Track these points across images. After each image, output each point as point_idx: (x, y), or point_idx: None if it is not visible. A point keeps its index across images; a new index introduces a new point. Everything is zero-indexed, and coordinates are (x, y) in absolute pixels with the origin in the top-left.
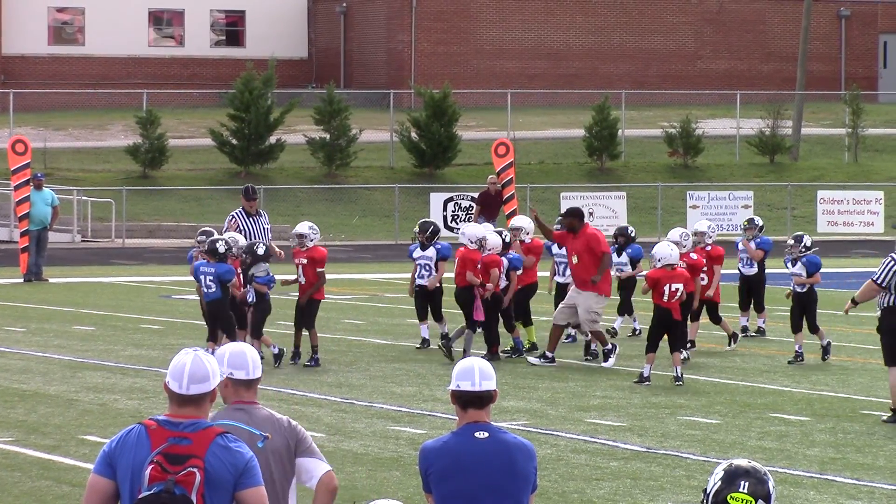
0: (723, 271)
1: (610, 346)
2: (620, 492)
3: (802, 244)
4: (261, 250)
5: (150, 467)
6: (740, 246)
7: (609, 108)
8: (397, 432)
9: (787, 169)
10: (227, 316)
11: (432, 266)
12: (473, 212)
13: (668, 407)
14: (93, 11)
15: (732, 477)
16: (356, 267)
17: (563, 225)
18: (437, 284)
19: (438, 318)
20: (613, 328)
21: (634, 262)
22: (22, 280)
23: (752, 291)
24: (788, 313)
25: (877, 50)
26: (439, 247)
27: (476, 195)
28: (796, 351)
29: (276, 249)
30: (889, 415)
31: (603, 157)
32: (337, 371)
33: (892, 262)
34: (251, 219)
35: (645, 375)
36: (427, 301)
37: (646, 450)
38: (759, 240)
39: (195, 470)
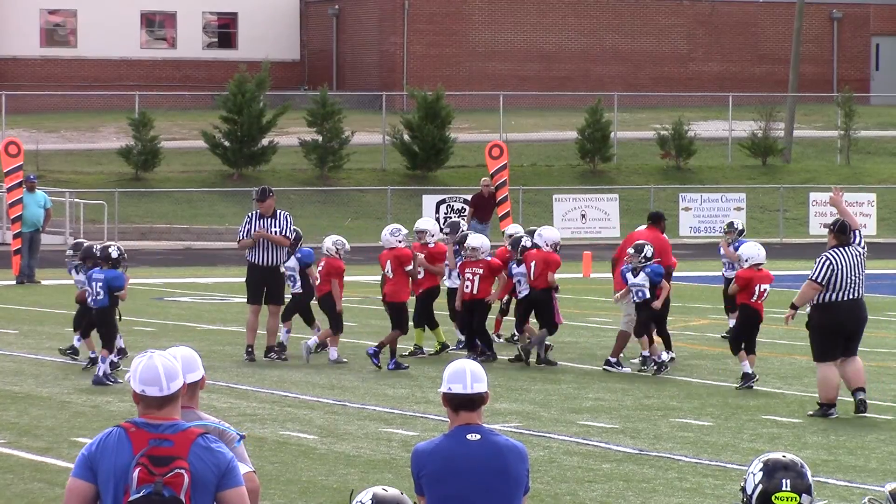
0: (707, 274)
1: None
2: (613, 494)
3: (642, 255)
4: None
5: (138, 469)
6: (721, 251)
7: (601, 111)
8: (390, 434)
9: (780, 171)
10: (111, 323)
11: (297, 275)
12: (466, 214)
13: (661, 409)
14: (85, 13)
15: (772, 472)
16: (348, 269)
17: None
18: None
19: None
20: None
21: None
22: (14, 282)
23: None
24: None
25: (869, 52)
26: (300, 255)
27: (469, 197)
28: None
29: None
30: (816, 409)
31: (595, 159)
32: (329, 373)
33: (828, 260)
34: (264, 220)
35: (750, 373)
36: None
37: (638, 452)
38: (738, 243)
39: (182, 471)
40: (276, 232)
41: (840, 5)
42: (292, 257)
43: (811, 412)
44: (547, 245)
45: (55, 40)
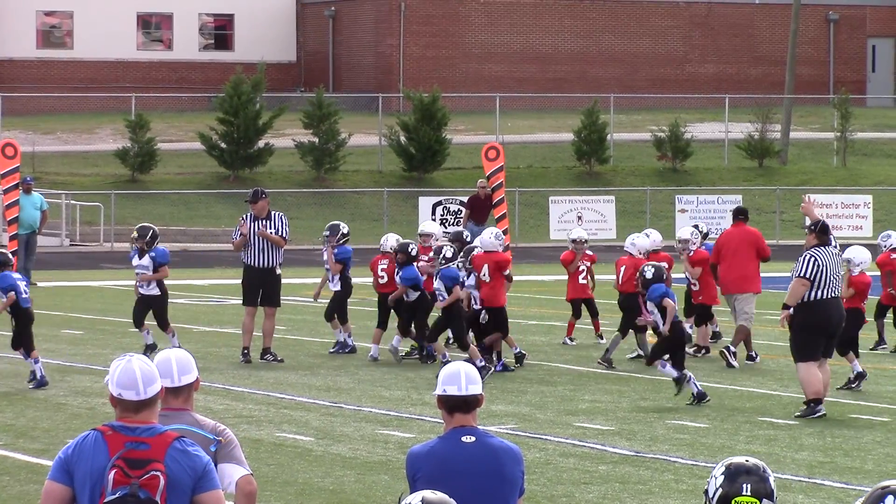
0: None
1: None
2: (609, 496)
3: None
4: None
5: (113, 471)
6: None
7: (598, 112)
8: (386, 436)
9: (776, 173)
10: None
11: (150, 273)
12: (462, 216)
13: (657, 411)
14: (81, 15)
15: (734, 476)
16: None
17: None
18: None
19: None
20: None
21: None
22: None
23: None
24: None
25: (865, 54)
26: (154, 254)
27: (465, 199)
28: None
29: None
30: (804, 408)
31: (591, 161)
32: (325, 375)
33: (813, 257)
34: (258, 222)
35: (861, 372)
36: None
37: (634, 454)
38: (703, 246)
39: (158, 473)
40: (272, 233)
41: (836, 7)
42: (147, 255)
43: (798, 413)
44: (640, 253)
45: (51, 42)
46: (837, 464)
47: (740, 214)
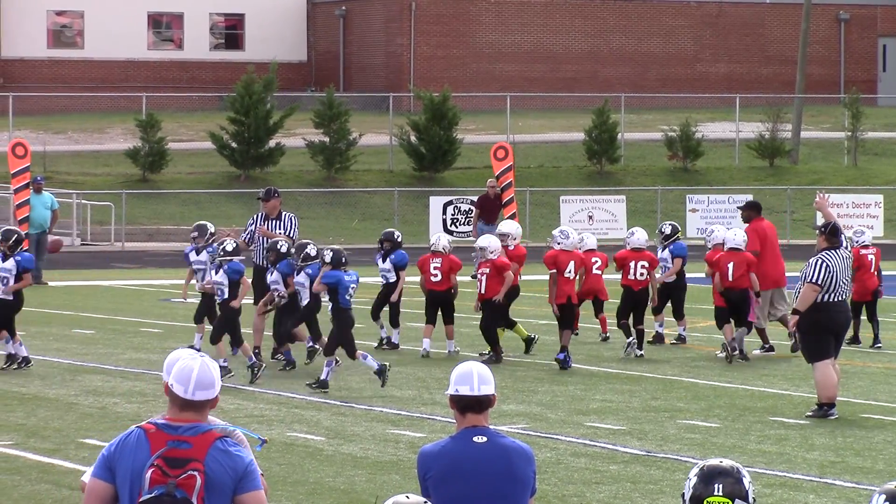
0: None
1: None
2: (620, 495)
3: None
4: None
5: (151, 470)
6: (661, 254)
7: (608, 112)
8: (397, 436)
9: (787, 172)
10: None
11: (11, 278)
12: (473, 215)
13: (668, 410)
14: (92, 15)
15: (708, 478)
16: (355, 270)
17: (742, 217)
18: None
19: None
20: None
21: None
22: None
23: (671, 298)
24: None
25: (876, 53)
26: (20, 258)
27: (475, 199)
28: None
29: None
30: (815, 409)
31: (602, 160)
32: (336, 374)
33: (824, 262)
34: (269, 221)
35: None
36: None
37: (645, 453)
38: (672, 246)
39: (195, 473)
40: (280, 234)
41: (847, 6)
42: (11, 259)
43: (810, 413)
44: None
45: (62, 41)
46: (848, 463)
47: (759, 209)
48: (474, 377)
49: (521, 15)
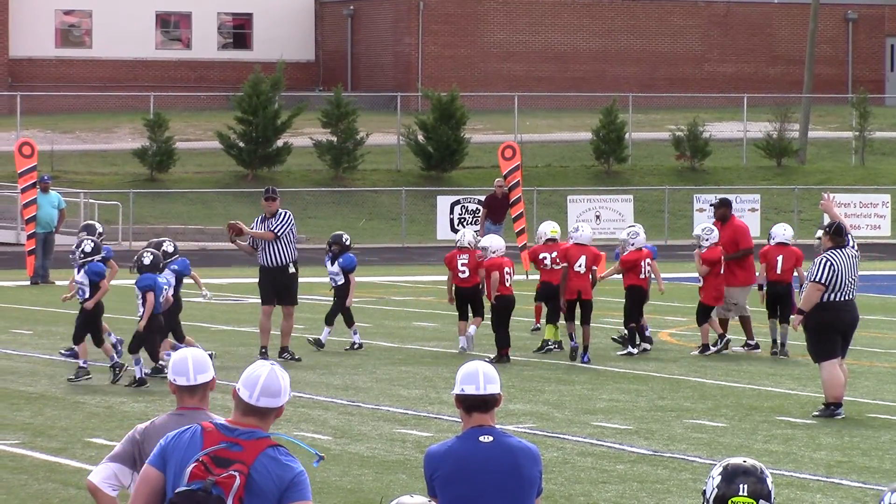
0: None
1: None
2: (627, 495)
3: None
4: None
5: (194, 465)
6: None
7: (616, 111)
8: (404, 435)
9: (795, 172)
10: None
11: (338, 279)
12: (480, 215)
13: (675, 410)
14: (100, 14)
15: (731, 477)
16: (362, 270)
17: (716, 215)
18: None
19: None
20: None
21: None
22: (29, 283)
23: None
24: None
25: (884, 53)
26: (341, 261)
27: (483, 198)
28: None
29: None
30: (822, 409)
31: (610, 160)
32: (343, 374)
33: (828, 262)
34: (267, 221)
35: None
36: None
37: (652, 453)
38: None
39: (236, 474)
40: (262, 231)
41: (855, 6)
42: (335, 264)
43: (816, 412)
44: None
45: (70, 41)
46: (855, 463)
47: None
48: (480, 376)
49: (529, 14)
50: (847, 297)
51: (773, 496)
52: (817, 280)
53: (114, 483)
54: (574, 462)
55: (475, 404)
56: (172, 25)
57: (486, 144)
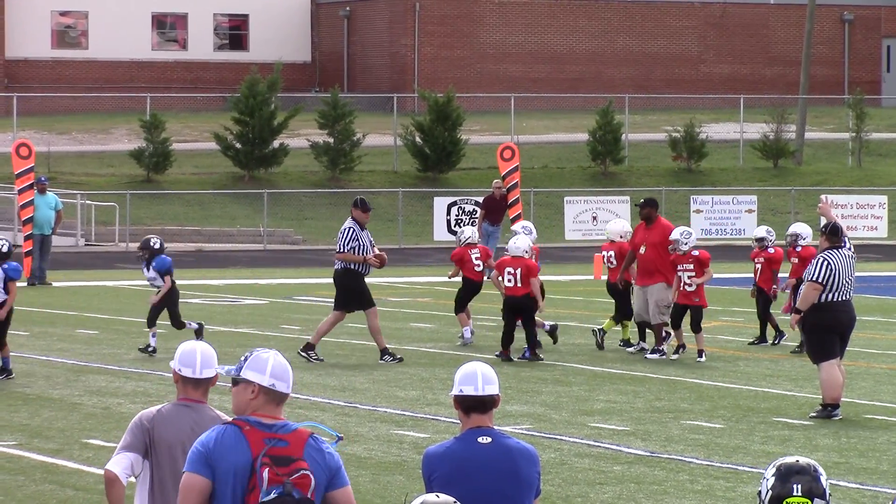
0: (718, 276)
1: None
2: (624, 496)
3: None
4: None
5: (266, 469)
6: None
7: (613, 112)
8: (401, 436)
9: (791, 173)
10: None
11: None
12: (478, 216)
13: (672, 411)
14: (96, 15)
15: (785, 477)
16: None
17: (640, 215)
18: None
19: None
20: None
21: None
22: (25, 284)
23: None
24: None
25: (880, 54)
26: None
27: (480, 199)
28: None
29: (371, 258)
30: (819, 410)
31: (606, 161)
32: (340, 375)
33: (825, 261)
34: (366, 232)
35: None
36: None
37: (649, 454)
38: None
39: (308, 473)
40: (371, 242)
41: (851, 7)
42: (150, 269)
43: (814, 413)
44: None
45: (66, 42)
46: (852, 464)
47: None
48: (479, 377)
49: (526, 15)
50: (844, 298)
51: (827, 494)
52: (815, 280)
53: (129, 473)
54: (571, 463)
55: (473, 405)
56: (169, 26)
57: (482, 146)
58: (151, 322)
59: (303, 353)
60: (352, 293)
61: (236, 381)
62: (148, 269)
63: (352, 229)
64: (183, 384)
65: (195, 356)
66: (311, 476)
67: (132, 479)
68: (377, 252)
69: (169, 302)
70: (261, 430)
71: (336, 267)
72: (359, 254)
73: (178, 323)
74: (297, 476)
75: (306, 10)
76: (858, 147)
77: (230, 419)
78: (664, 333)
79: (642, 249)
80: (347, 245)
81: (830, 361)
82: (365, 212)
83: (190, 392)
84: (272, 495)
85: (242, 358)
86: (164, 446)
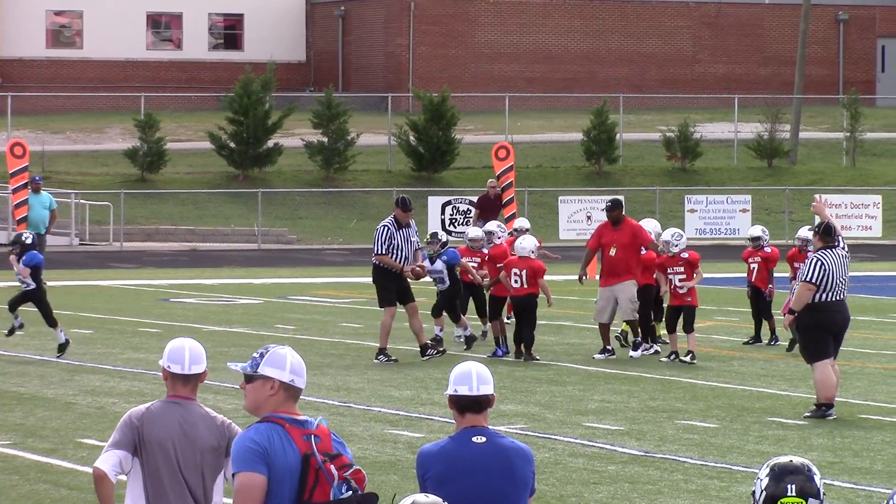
0: (713, 276)
1: (639, 339)
2: (618, 495)
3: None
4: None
5: (332, 466)
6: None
7: (607, 112)
8: (395, 436)
9: (786, 173)
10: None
11: (444, 276)
12: (472, 215)
13: (666, 411)
14: (91, 15)
15: (779, 477)
16: (354, 270)
17: (609, 216)
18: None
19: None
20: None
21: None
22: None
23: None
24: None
25: (875, 54)
26: (445, 257)
27: (475, 199)
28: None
29: (416, 268)
30: (813, 410)
31: (601, 160)
32: (335, 374)
33: (819, 261)
34: (402, 230)
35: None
36: None
37: (643, 454)
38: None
39: (359, 468)
40: (413, 241)
41: (846, 7)
42: (438, 260)
43: (808, 413)
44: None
45: (61, 41)
46: (847, 464)
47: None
48: (473, 377)
49: (520, 15)
50: (838, 298)
51: (822, 493)
52: (808, 280)
53: (118, 470)
54: (565, 463)
55: (468, 405)
56: (163, 26)
57: (477, 145)
58: (13, 308)
59: (377, 360)
60: (388, 291)
61: (250, 378)
62: (19, 263)
63: (387, 227)
64: (172, 381)
65: (184, 353)
66: (363, 471)
67: (122, 476)
68: (414, 267)
69: (35, 298)
70: (296, 426)
71: (374, 262)
72: (392, 253)
73: (51, 321)
74: (351, 471)
75: (301, 9)
76: (853, 147)
77: (225, 417)
78: (653, 344)
79: (612, 251)
80: (383, 245)
81: (824, 361)
82: (405, 211)
83: (179, 389)
84: (345, 493)
85: (257, 354)
86: (155, 443)
